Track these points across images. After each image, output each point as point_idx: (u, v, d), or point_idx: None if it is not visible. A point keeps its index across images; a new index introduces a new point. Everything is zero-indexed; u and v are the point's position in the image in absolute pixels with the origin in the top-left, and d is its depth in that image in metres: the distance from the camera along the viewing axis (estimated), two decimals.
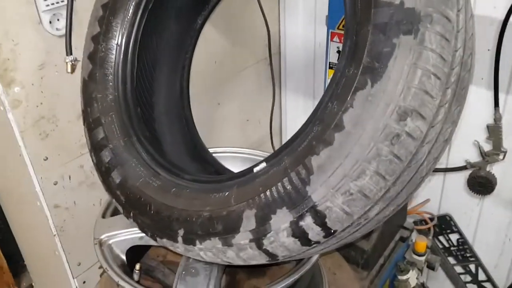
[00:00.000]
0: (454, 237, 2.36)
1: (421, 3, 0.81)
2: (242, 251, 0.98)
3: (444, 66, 0.81)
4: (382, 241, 1.92)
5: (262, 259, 1.00)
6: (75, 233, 1.91)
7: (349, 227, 0.92)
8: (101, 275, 1.69)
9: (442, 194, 2.41)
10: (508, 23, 1.81)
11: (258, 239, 0.95)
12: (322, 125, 0.87)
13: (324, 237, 0.92)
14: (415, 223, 2.26)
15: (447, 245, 2.36)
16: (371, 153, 0.82)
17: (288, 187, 0.90)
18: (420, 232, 2.27)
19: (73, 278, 1.97)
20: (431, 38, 0.80)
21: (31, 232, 2.06)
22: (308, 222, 0.89)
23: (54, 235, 1.85)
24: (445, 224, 2.38)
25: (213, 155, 1.59)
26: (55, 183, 1.79)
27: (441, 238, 2.36)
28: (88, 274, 2.01)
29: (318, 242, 0.94)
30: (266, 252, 0.97)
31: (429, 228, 2.26)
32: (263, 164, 0.98)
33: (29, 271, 2.36)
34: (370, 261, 1.87)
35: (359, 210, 0.88)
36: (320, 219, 0.88)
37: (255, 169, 0.99)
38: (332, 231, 0.91)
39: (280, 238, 0.92)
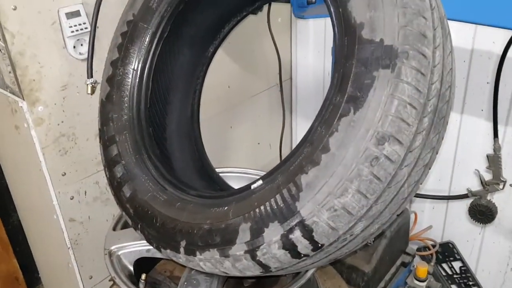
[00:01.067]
0: (457, 264, 2.37)
1: (399, 41, 0.91)
2: (237, 261, 1.06)
3: (420, 97, 0.91)
4: (383, 264, 1.96)
5: (256, 270, 1.08)
6: (88, 247, 1.99)
7: (336, 242, 1.00)
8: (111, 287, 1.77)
9: (445, 222, 2.44)
10: (506, 58, 1.88)
11: (252, 251, 1.03)
12: (312, 147, 0.97)
13: (313, 250, 1.00)
14: (418, 249, 2.28)
15: (450, 273, 2.36)
16: (353, 173, 0.91)
17: (280, 202, 0.99)
18: (422, 258, 2.29)
19: None
20: (407, 72, 0.90)
21: (47, 245, 2.16)
22: (297, 236, 0.98)
23: (69, 248, 1.94)
24: (448, 251, 2.40)
25: (221, 174, 1.69)
26: (72, 198, 1.89)
27: (444, 265, 2.37)
28: None
29: (307, 255, 1.02)
30: (260, 263, 1.05)
31: (431, 254, 2.28)
32: (260, 182, 1.07)
33: (43, 283, 2.44)
34: (370, 284, 1.90)
35: (343, 225, 0.96)
36: (308, 233, 0.97)
37: (253, 186, 1.08)
38: (320, 245, 0.99)
39: (272, 250, 1.01)
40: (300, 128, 2.91)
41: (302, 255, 1.01)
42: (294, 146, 2.95)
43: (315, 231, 0.96)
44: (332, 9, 1.04)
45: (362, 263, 1.88)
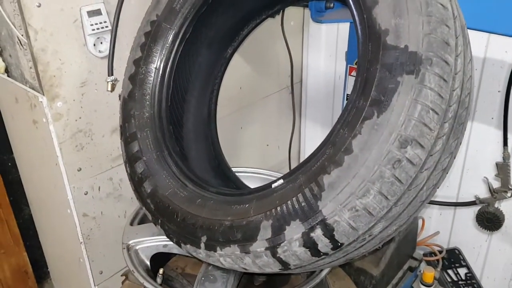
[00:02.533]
0: (462, 271, 2.38)
1: (423, 48, 0.94)
2: (258, 258, 1.09)
3: (442, 103, 0.94)
4: (391, 268, 1.98)
5: (276, 267, 1.11)
6: (100, 242, 2.03)
7: (355, 242, 1.03)
8: (122, 282, 1.79)
9: (452, 228, 2.46)
10: None
11: (273, 248, 1.06)
12: (334, 148, 1.00)
13: (332, 249, 1.03)
14: (425, 255, 2.30)
15: (455, 279, 2.37)
16: (375, 174, 0.94)
17: (302, 201, 1.02)
18: (428, 263, 2.30)
19: (95, 286, 2.07)
20: (430, 78, 0.93)
21: (58, 239, 2.18)
22: (318, 234, 1.01)
23: (81, 242, 1.97)
24: (454, 257, 2.41)
25: (235, 173, 1.72)
26: (86, 193, 1.92)
27: (449, 271, 2.38)
28: (109, 283, 2.11)
29: (326, 254, 1.05)
30: (280, 260, 1.08)
31: (437, 260, 2.29)
32: (281, 181, 1.10)
33: (52, 277, 2.47)
34: (378, 287, 1.93)
35: (363, 226, 0.99)
36: (329, 231, 1.00)
37: (273, 185, 1.11)
38: (339, 243, 1.02)
39: (293, 247, 1.04)
40: (309, 130, 2.93)
41: (322, 254, 1.04)
42: (303, 148, 2.99)
43: (336, 230, 0.99)
44: (356, 15, 1.07)
45: (371, 266, 1.90)
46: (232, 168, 1.73)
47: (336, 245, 1.02)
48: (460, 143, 1.09)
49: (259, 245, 1.07)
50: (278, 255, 1.06)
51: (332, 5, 1.69)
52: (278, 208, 1.05)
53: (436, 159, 0.99)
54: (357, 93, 1.00)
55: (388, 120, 0.93)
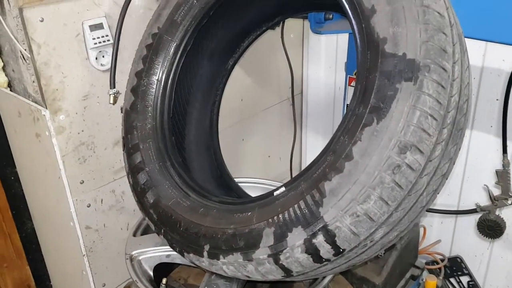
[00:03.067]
0: (465, 279, 2.37)
1: (421, 55, 0.96)
2: (260, 265, 1.10)
3: (440, 109, 0.95)
4: (393, 277, 1.98)
5: (278, 274, 1.11)
6: (103, 255, 2.03)
7: (357, 248, 1.04)
8: None
9: (454, 236, 2.46)
10: None
11: (275, 255, 1.07)
12: (335, 155, 1.01)
13: (334, 255, 1.04)
14: (427, 263, 2.30)
15: (458, 287, 2.38)
16: (375, 180, 0.95)
17: (304, 208, 1.03)
18: (430, 272, 2.31)
19: None
20: (429, 85, 0.94)
21: (61, 252, 2.18)
22: (320, 240, 1.02)
23: (84, 255, 1.97)
24: (456, 266, 2.41)
25: (238, 183, 1.73)
26: (88, 206, 1.93)
27: (452, 280, 2.37)
28: None
29: (328, 260, 1.06)
30: (282, 267, 1.09)
31: (439, 268, 2.30)
32: (283, 188, 1.12)
33: None
34: None
35: (365, 231, 1.00)
36: (330, 237, 1.01)
37: (275, 193, 1.12)
38: (341, 249, 1.03)
39: (295, 254, 1.05)
40: (310, 141, 2.95)
41: (324, 260, 1.05)
42: (304, 159, 3.00)
43: (338, 236, 1.00)
44: (354, 25, 1.09)
45: (373, 275, 1.91)
46: (235, 179, 1.75)
47: (338, 251, 1.03)
48: (459, 149, 1.11)
49: (262, 252, 1.08)
50: (280, 262, 1.07)
51: (331, 16, 1.72)
52: (280, 216, 1.06)
53: (436, 164, 1.00)
54: (357, 100, 1.02)
55: (387, 126, 0.95)
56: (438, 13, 1.00)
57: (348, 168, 0.98)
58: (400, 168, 0.95)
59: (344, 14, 1.14)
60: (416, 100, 0.94)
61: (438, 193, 1.11)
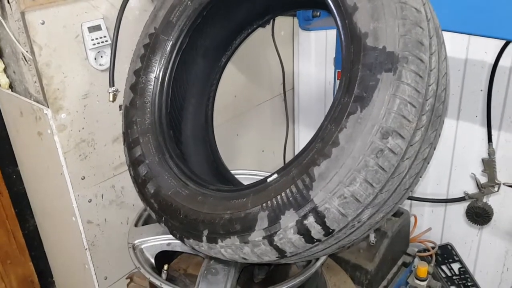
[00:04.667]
0: (455, 266, 2.44)
1: (399, 48, 1.04)
2: (256, 247, 1.17)
3: (419, 97, 1.03)
4: (385, 264, 2.04)
5: (273, 255, 1.19)
6: (104, 248, 2.09)
7: (345, 228, 1.12)
8: (127, 285, 1.86)
9: (444, 224, 2.53)
10: (498, 66, 2.00)
11: (270, 236, 1.15)
12: (323, 142, 1.09)
13: (324, 235, 1.12)
14: (418, 251, 2.33)
15: (449, 274, 2.42)
16: (360, 164, 1.03)
17: (295, 192, 1.11)
18: (422, 259, 2.36)
19: None
20: (407, 75, 1.03)
21: (64, 247, 2.24)
22: (311, 221, 1.09)
23: (86, 249, 2.03)
24: (447, 253, 2.46)
25: (234, 175, 1.80)
26: (90, 201, 1.99)
27: (443, 267, 2.44)
28: None
29: (319, 240, 1.14)
30: (276, 248, 1.16)
31: (431, 256, 2.34)
32: (275, 175, 1.19)
33: (57, 287, 2.51)
34: (373, 282, 1.98)
35: (352, 212, 1.08)
36: (320, 218, 1.09)
37: (269, 179, 1.20)
38: (331, 230, 1.11)
39: (288, 235, 1.12)
40: (303, 135, 3.02)
41: (315, 240, 1.13)
42: (297, 152, 3.05)
43: (327, 217, 1.08)
44: (338, 21, 1.17)
45: (366, 262, 1.97)
46: (233, 171, 1.82)
47: (328, 232, 1.11)
48: (439, 135, 1.18)
49: (257, 235, 1.16)
50: (275, 243, 1.15)
51: (318, 13, 1.79)
52: (274, 200, 1.14)
53: (416, 149, 1.08)
54: (342, 91, 1.10)
55: (370, 114, 1.03)
56: (415, 8, 1.08)
57: (335, 153, 1.06)
58: (383, 152, 1.02)
59: (329, 11, 1.22)
60: (396, 89, 1.02)
61: (420, 177, 1.19)
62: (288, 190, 1.12)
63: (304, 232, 1.11)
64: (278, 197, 1.13)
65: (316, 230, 1.10)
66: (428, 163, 1.19)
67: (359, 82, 1.05)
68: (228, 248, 1.21)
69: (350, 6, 1.13)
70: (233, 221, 1.19)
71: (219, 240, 1.22)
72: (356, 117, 1.04)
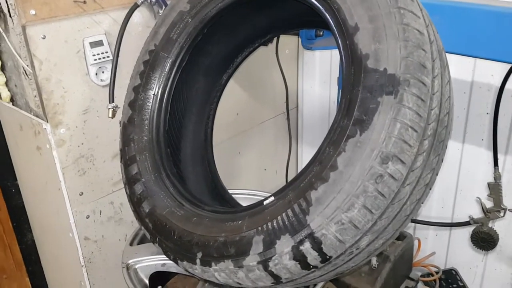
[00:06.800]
0: None
1: (401, 70, 1.01)
2: (250, 272, 1.14)
3: (420, 121, 1.00)
4: None
5: (268, 281, 1.15)
6: (101, 266, 2.06)
7: (343, 255, 1.08)
8: None
9: (448, 249, 2.48)
10: (504, 89, 1.96)
11: (264, 261, 1.11)
12: (321, 165, 1.06)
13: (321, 262, 1.08)
14: (422, 276, 2.31)
15: None
16: (359, 189, 1.00)
17: (291, 216, 1.08)
18: (425, 284, 2.31)
19: None
20: (408, 98, 1.00)
21: (60, 263, 2.21)
22: (307, 247, 1.06)
23: (82, 266, 2.00)
24: (451, 278, 2.41)
25: (232, 195, 1.77)
26: (87, 217, 1.97)
27: None
28: None
29: (316, 267, 1.10)
30: (271, 274, 1.13)
31: (434, 280, 2.31)
32: (272, 198, 1.16)
33: None
34: None
35: (350, 239, 1.04)
36: (317, 244, 1.05)
37: (265, 202, 1.17)
38: (328, 256, 1.07)
39: (283, 260, 1.09)
40: (306, 155, 2.99)
41: (311, 267, 1.09)
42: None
43: (324, 243, 1.04)
44: (339, 41, 1.15)
45: (367, 286, 1.92)
46: (231, 190, 1.79)
47: (325, 258, 1.07)
48: (442, 160, 1.15)
49: (252, 259, 1.12)
50: (269, 269, 1.11)
51: (321, 33, 1.77)
52: (269, 224, 1.11)
53: (418, 174, 1.05)
54: (342, 113, 1.07)
55: (370, 137, 1.00)
56: (418, 30, 1.05)
57: (333, 177, 1.03)
58: (382, 178, 0.99)
59: (330, 31, 1.20)
60: (397, 112, 0.99)
61: (422, 203, 1.15)
62: (284, 214, 1.09)
63: (300, 258, 1.07)
64: (274, 221, 1.10)
65: (312, 257, 1.06)
66: (430, 189, 1.16)
67: (359, 104, 1.03)
68: (222, 272, 1.18)
69: (352, 27, 1.11)
70: (227, 244, 1.16)
71: (213, 264, 1.19)
72: (355, 141, 1.01)
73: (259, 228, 1.12)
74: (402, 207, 1.06)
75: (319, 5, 1.21)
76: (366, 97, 1.02)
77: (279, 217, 1.10)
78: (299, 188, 1.09)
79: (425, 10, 1.15)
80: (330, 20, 1.17)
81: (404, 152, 0.99)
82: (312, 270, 1.10)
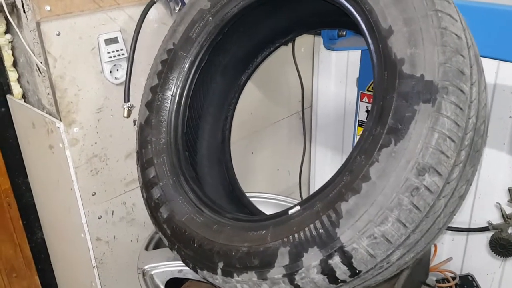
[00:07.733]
0: None
1: (439, 77, 0.96)
2: (275, 285, 1.09)
3: (458, 131, 0.95)
4: None
5: None
6: (112, 267, 2.03)
7: (373, 269, 1.04)
8: None
9: (465, 254, 2.44)
10: None
11: (290, 275, 1.06)
12: (351, 175, 1.01)
13: (350, 276, 1.03)
14: (437, 281, 2.29)
15: None
16: (393, 202, 0.95)
17: (320, 228, 1.03)
18: None
19: None
20: (447, 107, 0.94)
21: (71, 263, 2.19)
22: (336, 261, 1.01)
23: (94, 266, 1.97)
24: (467, 284, 2.38)
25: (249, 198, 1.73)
26: (99, 217, 1.94)
27: None
28: None
29: (344, 281, 1.05)
30: (297, 287, 1.08)
31: (450, 287, 2.28)
32: (297, 207, 1.11)
33: None
34: None
35: (381, 253, 0.99)
36: (347, 259, 1.00)
37: (290, 212, 1.12)
38: (357, 271, 1.02)
39: (311, 274, 1.04)
40: (319, 155, 2.95)
41: (340, 281, 1.04)
42: (313, 173, 2.99)
43: (354, 258, 0.99)
44: (371, 44, 1.10)
45: None
46: (246, 193, 1.75)
47: (354, 273, 1.02)
48: (476, 170, 1.10)
49: (277, 272, 1.07)
50: (295, 282, 1.06)
51: (344, 33, 1.72)
52: (296, 235, 1.06)
53: (453, 186, 1.00)
54: (374, 121, 1.02)
55: (405, 148, 0.95)
56: (456, 35, 1.00)
57: (366, 189, 0.98)
58: (418, 190, 0.94)
59: (360, 33, 1.14)
60: (435, 122, 0.94)
61: (455, 215, 1.10)
62: (312, 226, 1.04)
63: (328, 272, 1.02)
64: (301, 232, 1.05)
65: (341, 271, 1.02)
66: (464, 200, 1.11)
67: (394, 112, 0.97)
68: (245, 283, 1.13)
69: (385, 29, 1.05)
70: (251, 254, 1.11)
71: (235, 274, 1.15)
72: (389, 151, 0.96)
73: (285, 239, 1.08)
74: (435, 220, 1.02)
75: (349, 6, 1.16)
76: (401, 104, 0.97)
77: (306, 229, 1.05)
78: (328, 198, 1.04)
79: (461, 14, 1.10)
80: (360, 22, 1.11)
81: (441, 163, 0.94)
82: (340, 284, 1.05)
